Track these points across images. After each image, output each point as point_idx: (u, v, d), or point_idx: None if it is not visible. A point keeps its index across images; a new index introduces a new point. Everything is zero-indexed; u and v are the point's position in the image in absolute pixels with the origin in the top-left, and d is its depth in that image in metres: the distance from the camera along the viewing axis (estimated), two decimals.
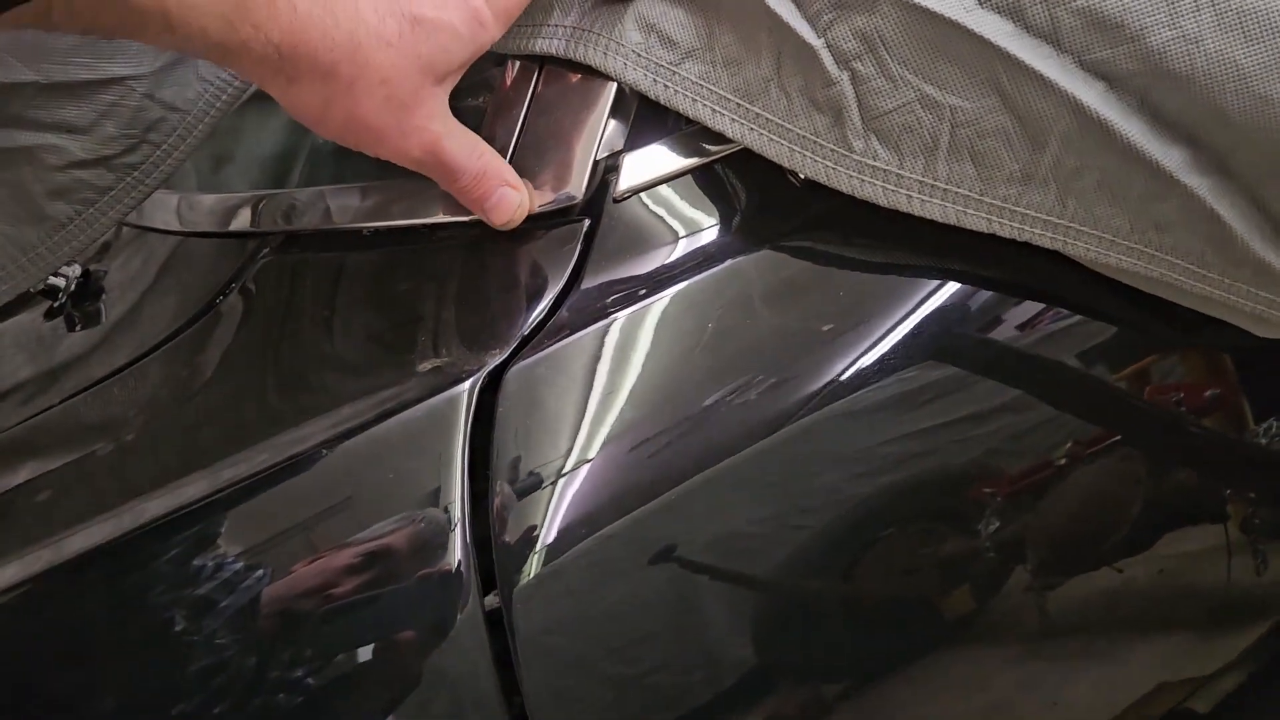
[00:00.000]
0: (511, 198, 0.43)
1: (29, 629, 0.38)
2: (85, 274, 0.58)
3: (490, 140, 0.44)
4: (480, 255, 0.45)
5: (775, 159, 0.41)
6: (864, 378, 0.40)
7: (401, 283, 0.46)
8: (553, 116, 0.46)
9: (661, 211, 0.45)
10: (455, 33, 0.39)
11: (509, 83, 0.47)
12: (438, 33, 0.39)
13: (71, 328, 0.56)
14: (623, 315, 0.42)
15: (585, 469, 0.39)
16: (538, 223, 0.45)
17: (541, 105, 0.46)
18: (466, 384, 0.40)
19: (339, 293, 0.47)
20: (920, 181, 0.39)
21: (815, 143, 0.40)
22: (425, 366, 0.42)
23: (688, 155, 0.45)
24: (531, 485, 0.39)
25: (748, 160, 0.43)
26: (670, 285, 0.42)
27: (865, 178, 0.40)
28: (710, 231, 0.44)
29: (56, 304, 0.57)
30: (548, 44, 0.45)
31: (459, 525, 0.38)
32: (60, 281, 0.57)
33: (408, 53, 0.38)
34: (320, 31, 0.36)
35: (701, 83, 0.42)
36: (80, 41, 0.49)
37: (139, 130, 0.50)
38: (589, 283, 0.43)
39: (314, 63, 0.37)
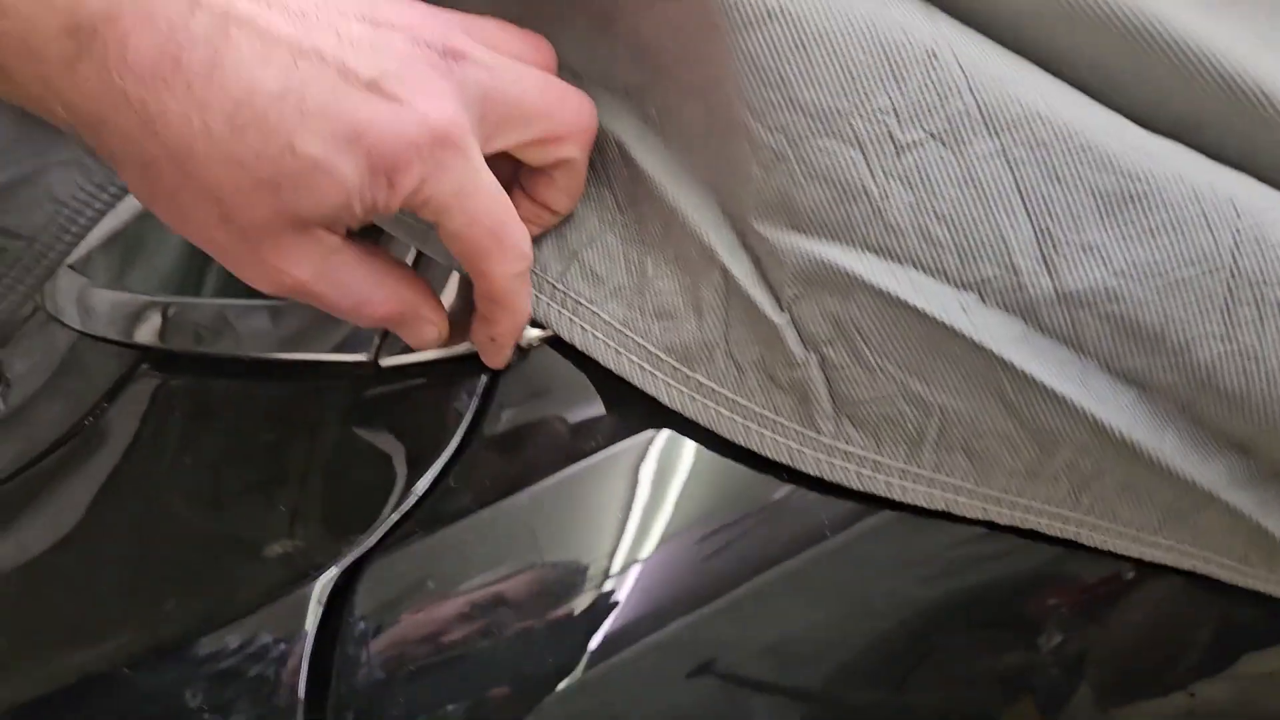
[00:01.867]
0: (427, 333, 0.35)
1: None
2: None
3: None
4: (359, 405, 0.39)
5: (727, 435, 0.34)
6: None
7: (272, 429, 0.40)
8: None
9: (571, 361, 0.38)
10: (338, 184, 0.28)
11: None
12: (314, 175, 0.28)
13: None
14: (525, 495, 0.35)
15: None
16: (430, 373, 0.38)
17: None
18: (315, 586, 0.33)
19: (203, 431, 0.41)
20: (903, 469, 0.33)
21: (775, 421, 0.34)
22: (273, 551, 0.35)
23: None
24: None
25: None
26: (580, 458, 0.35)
27: (836, 460, 0.33)
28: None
29: None
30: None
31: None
32: None
33: (261, 185, 0.28)
34: (140, 117, 0.26)
35: (625, 330, 0.35)
36: None
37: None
38: (477, 454, 0.36)
39: (128, 147, 0.27)
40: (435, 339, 0.35)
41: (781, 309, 0.33)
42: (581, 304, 0.36)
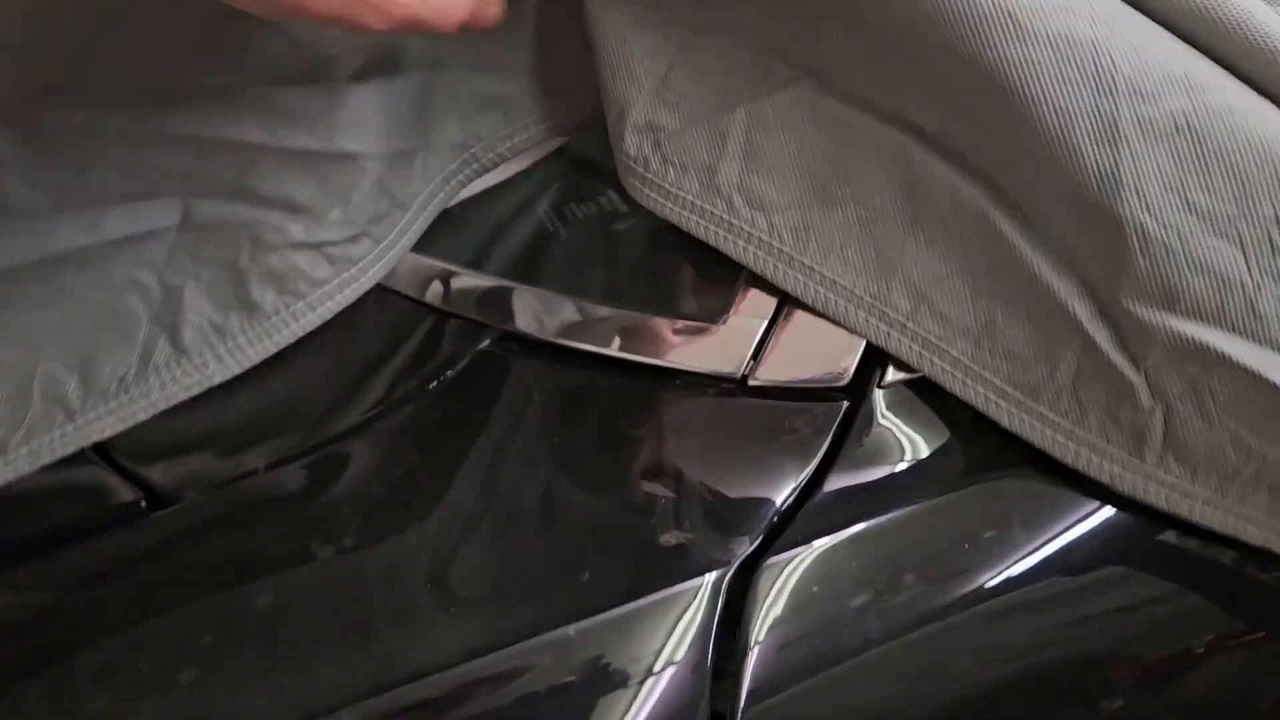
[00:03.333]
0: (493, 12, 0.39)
1: None
2: None
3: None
4: (728, 415, 0.44)
5: (1057, 457, 0.40)
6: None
7: (638, 424, 0.45)
8: None
9: (925, 406, 0.43)
10: None
11: None
12: None
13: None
14: (877, 523, 0.40)
15: (824, 676, 0.39)
16: (794, 394, 0.43)
17: None
18: (718, 575, 0.39)
19: (568, 417, 0.46)
20: (1208, 498, 0.38)
21: (1105, 449, 0.39)
22: (669, 540, 0.41)
23: None
24: (773, 686, 0.38)
25: None
26: (924, 498, 0.41)
27: (1152, 485, 0.39)
28: (974, 441, 0.42)
29: None
30: (803, 287, 0.43)
31: (705, 696, 0.38)
32: None
33: None
34: None
35: (974, 365, 0.41)
36: (312, 106, 0.47)
37: (363, 220, 0.48)
38: (842, 475, 0.42)
39: None
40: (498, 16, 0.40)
41: (1139, 370, 0.38)
42: (930, 340, 0.41)
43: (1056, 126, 0.36)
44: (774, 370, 0.44)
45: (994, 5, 0.36)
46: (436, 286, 0.52)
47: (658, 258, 0.50)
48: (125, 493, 0.47)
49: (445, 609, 0.40)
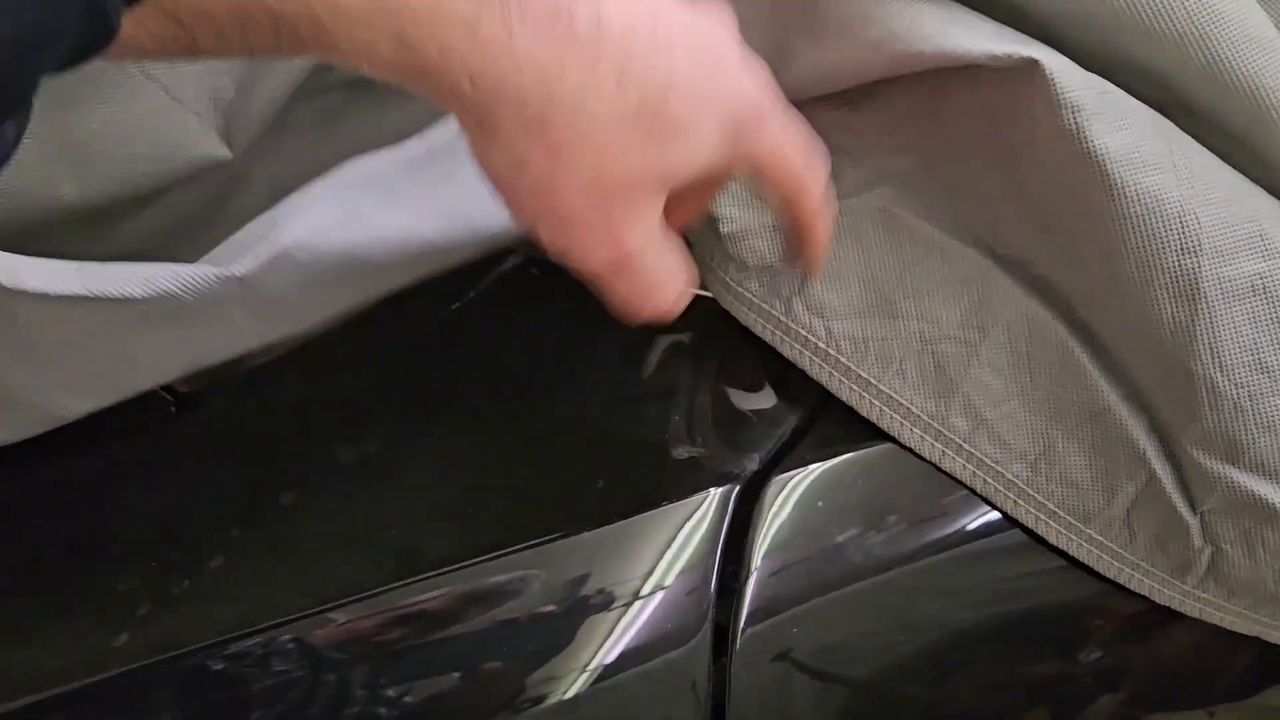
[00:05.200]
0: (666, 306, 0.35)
1: None
2: None
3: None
4: (741, 337, 0.45)
5: (1102, 572, 0.42)
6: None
7: (653, 344, 0.46)
8: None
9: None
10: (705, 140, 0.31)
11: None
12: (687, 134, 0.30)
13: None
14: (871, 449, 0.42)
15: (828, 596, 0.40)
16: None
17: None
18: (728, 489, 0.40)
19: (584, 334, 0.47)
20: (1240, 613, 0.41)
21: (1149, 570, 0.41)
22: (681, 453, 0.42)
23: None
24: (773, 606, 0.40)
25: None
26: None
27: (1189, 602, 0.41)
28: None
29: None
30: (858, 398, 0.42)
31: (708, 611, 0.40)
32: None
33: (640, 138, 0.29)
34: (537, 76, 0.27)
35: (1028, 489, 0.41)
36: None
37: None
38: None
39: (520, 110, 0.28)
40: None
41: (1195, 513, 0.39)
42: (986, 463, 0.42)
43: (1138, 279, 0.36)
44: None
45: (1086, 150, 0.35)
46: None
47: None
48: (154, 396, 0.48)
49: (460, 511, 0.41)
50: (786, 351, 0.43)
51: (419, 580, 0.39)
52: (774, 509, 0.40)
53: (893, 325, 0.42)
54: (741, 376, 0.44)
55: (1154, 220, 0.35)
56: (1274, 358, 0.37)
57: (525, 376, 0.46)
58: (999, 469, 0.41)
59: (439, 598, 0.39)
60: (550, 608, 0.39)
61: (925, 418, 0.41)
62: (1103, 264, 0.37)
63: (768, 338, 0.43)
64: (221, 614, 0.38)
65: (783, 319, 0.42)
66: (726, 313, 0.45)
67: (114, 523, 0.42)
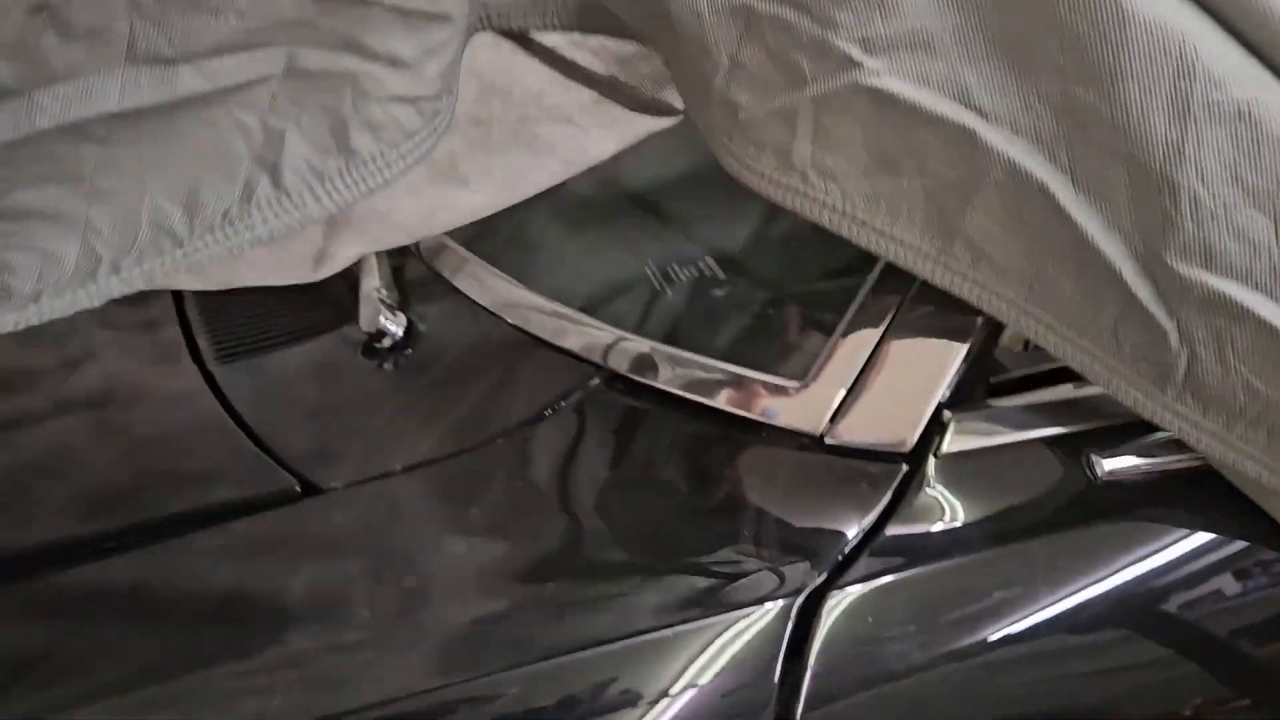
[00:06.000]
0: None
1: None
2: (409, 325, 0.65)
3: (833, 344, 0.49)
4: (805, 466, 0.52)
5: (1093, 380, 0.47)
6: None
7: (726, 465, 0.53)
8: (906, 348, 0.52)
9: (977, 480, 0.51)
10: None
11: (872, 293, 0.53)
12: None
13: (388, 381, 0.63)
14: (922, 571, 0.48)
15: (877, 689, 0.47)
16: (863, 455, 0.51)
17: (899, 332, 0.52)
18: (788, 601, 0.47)
19: (668, 454, 0.54)
20: (1214, 433, 0.45)
21: (1134, 378, 0.46)
22: (750, 567, 0.49)
23: (1012, 430, 0.51)
24: (827, 699, 0.46)
25: (1059, 444, 0.51)
26: (962, 554, 0.49)
27: (1167, 415, 0.46)
28: (1009, 511, 0.50)
29: (381, 346, 0.64)
30: (876, 244, 0.48)
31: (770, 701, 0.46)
32: (390, 326, 0.64)
33: None
34: None
35: (1027, 305, 0.47)
36: None
37: (448, 80, 0.50)
38: (897, 527, 0.50)
39: None
40: None
41: (1172, 318, 0.44)
42: (989, 285, 0.48)
43: (1137, 99, 0.42)
44: (847, 433, 0.52)
45: None
46: (555, 324, 0.61)
47: (753, 320, 0.58)
48: (282, 479, 0.55)
49: (552, 606, 0.48)
50: (808, 214, 0.49)
51: (518, 668, 0.45)
52: (831, 618, 0.47)
53: (898, 183, 0.48)
54: (804, 503, 0.51)
55: (1156, 47, 0.41)
56: (1250, 175, 0.41)
57: (608, 488, 0.53)
58: (999, 289, 0.47)
59: (542, 686, 0.45)
60: (625, 701, 0.46)
61: (935, 253, 0.48)
62: (1099, 95, 0.42)
63: (789, 204, 0.49)
64: (361, 685, 0.44)
65: (800, 187, 0.49)
66: (787, 443, 0.52)
67: (257, 594, 0.49)
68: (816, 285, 0.60)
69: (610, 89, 0.65)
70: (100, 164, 0.47)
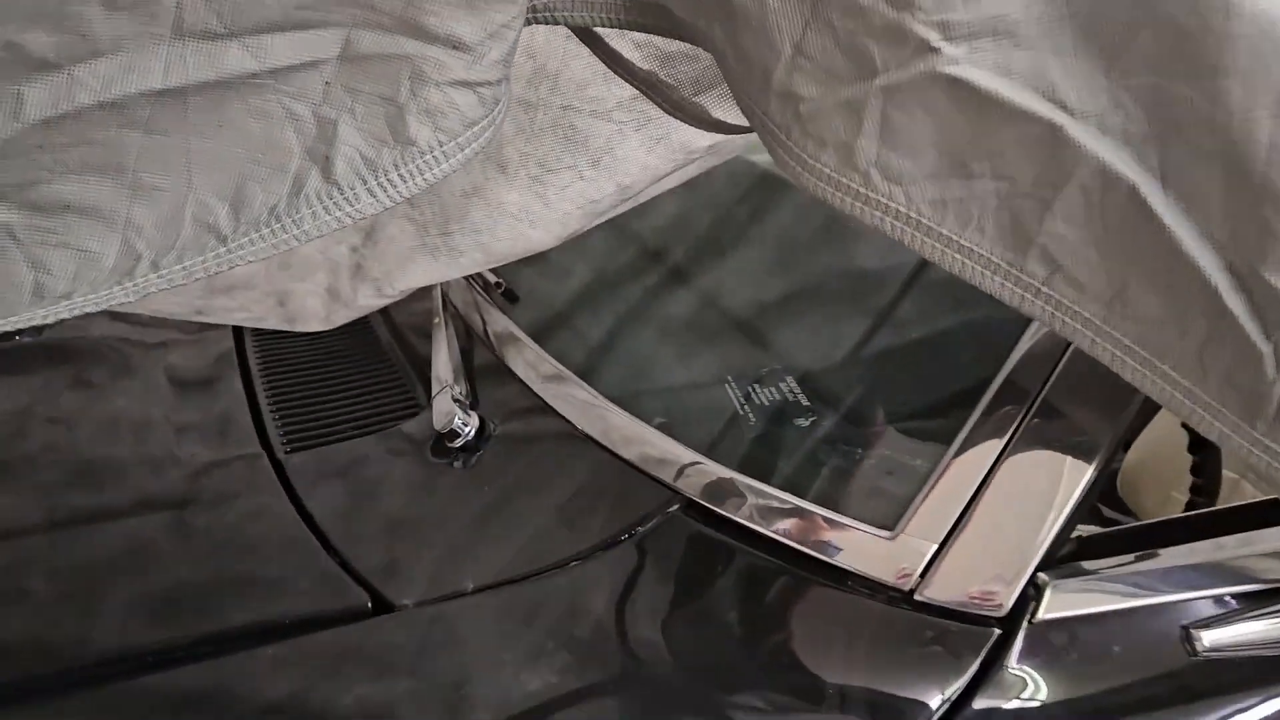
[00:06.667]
0: None
1: None
2: (481, 424, 0.65)
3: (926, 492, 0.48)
4: (893, 622, 0.50)
5: (1173, 412, 0.44)
6: None
7: (810, 613, 0.51)
8: (1005, 500, 0.50)
9: (1072, 651, 0.49)
10: None
11: (968, 438, 0.52)
12: None
13: (461, 485, 0.62)
14: None
15: None
16: (953, 615, 0.50)
17: (996, 493, 0.50)
18: None
19: (745, 591, 0.52)
20: None
21: (1219, 410, 0.43)
22: None
23: (1109, 597, 0.49)
24: None
25: (1156, 614, 0.49)
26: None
27: (1256, 450, 0.42)
28: (1105, 690, 0.49)
29: (453, 445, 0.63)
30: (940, 254, 0.44)
31: None
32: (464, 427, 0.63)
33: None
34: None
35: (1104, 326, 0.44)
36: None
37: (508, 65, 0.48)
38: (985, 700, 0.48)
39: None
40: None
41: (1268, 340, 0.41)
42: (1064, 303, 0.44)
43: (1239, 98, 0.38)
44: (938, 590, 0.50)
45: None
46: (635, 442, 0.60)
47: (839, 456, 0.57)
48: (355, 594, 0.54)
49: None
50: (868, 219, 0.45)
51: None
52: None
53: (969, 186, 0.44)
54: (890, 663, 0.50)
55: (1265, 41, 0.38)
56: None
57: (684, 624, 0.52)
58: (1076, 309, 0.43)
59: None
60: None
61: (1005, 265, 0.44)
62: (1199, 92, 0.39)
63: (846, 209, 0.45)
64: None
65: (861, 189, 0.45)
66: (874, 595, 0.50)
67: (318, 713, 0.48)
68: (909, 424, 0.58)
69: (649, 86, 0.64)
70: (144, 154, 0.45)
